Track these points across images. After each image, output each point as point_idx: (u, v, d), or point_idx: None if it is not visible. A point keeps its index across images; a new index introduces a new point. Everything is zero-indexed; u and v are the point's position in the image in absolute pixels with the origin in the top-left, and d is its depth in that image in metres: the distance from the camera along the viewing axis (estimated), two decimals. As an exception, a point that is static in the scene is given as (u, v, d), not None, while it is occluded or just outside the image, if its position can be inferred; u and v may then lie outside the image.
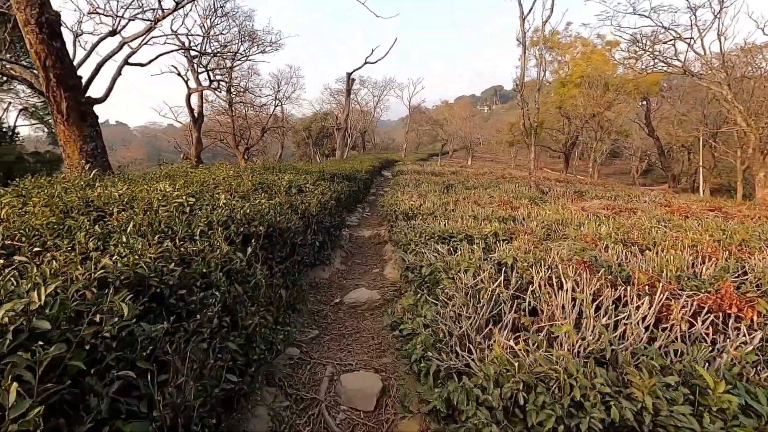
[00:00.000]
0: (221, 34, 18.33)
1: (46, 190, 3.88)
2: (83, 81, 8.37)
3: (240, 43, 21.86)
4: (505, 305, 2.85)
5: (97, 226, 2.57)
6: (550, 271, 3.44)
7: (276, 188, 5.73)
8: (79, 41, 11.19)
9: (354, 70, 28.21)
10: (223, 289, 2.35)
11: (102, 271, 2.02)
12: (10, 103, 29.98)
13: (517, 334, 2.64)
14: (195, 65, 21.21)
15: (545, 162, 52.50)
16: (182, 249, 2.51)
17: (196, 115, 21.69)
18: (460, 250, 4.42)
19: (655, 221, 7.39)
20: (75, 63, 9.44)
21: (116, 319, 1.52)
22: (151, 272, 2.12)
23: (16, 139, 30.04)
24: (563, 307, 2.73)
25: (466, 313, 2.68)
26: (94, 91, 9.12)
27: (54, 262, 1.98)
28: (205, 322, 2.04)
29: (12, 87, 26.50)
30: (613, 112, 33.32)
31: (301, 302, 4.32)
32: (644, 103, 37.77)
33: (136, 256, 2.17)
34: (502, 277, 3.14)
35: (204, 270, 2.34)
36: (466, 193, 11.90)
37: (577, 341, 2.16)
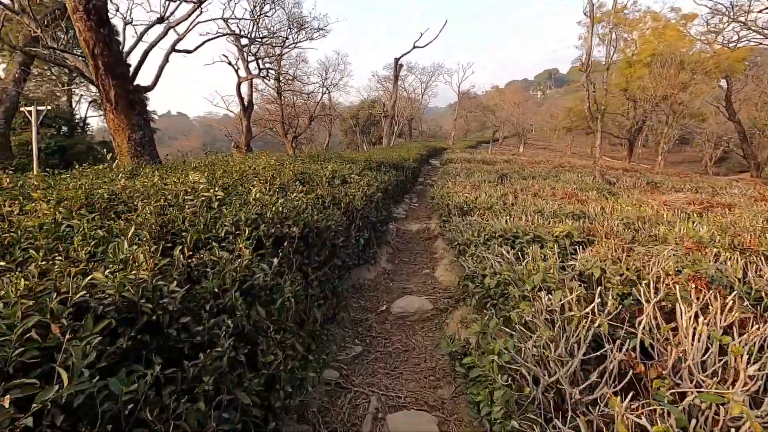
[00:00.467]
0: (266, 15, 18.07)
1: (75, 182, 3.60)
2: (131, 69, 8.32)
3: (289, 30, 21.70)
4: (608, 343, 2.13)
5: (100, 230, 2.14)
6: (657, 292, 2.65)
7: (318, 179, 5.23)
8: (134, 28, 11.29)
9: (402, 56, 27.29)
10: (239, 314, 1.83)
11: (84, 292, 1.57)
12: (81, 95, 32.10)
13: (627, 386, 1.93)
14: (245, 54, 21.33)
15: (605, 149, 48.72)
16: (195, 259, 2.03)
17: (246, 103, 21.93)
18: (531, 255, 3.68)
19: (762, 220, 6.14)
20: (124, 51, 9.47)
21: (54, 391, 1.02)
22: (145, 293, 1.64)
23: (87, 129, 32.23)
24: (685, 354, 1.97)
25: (555, 353, 2.00)
26: (144, 79, 9.11)
27: (22, 279, 1.53)
28: (211, 363, 1.53)
29: (83, 81, 28.23)
30: (689, 94, 29.96)
31: (343, 310, 3.80)
32: (725, 83, 33.64)
33: (130, 272, 1.69)
34: (597, 300, 2.41)
35: (216, 289, 1.83)
36: (524, 184, 10.90)
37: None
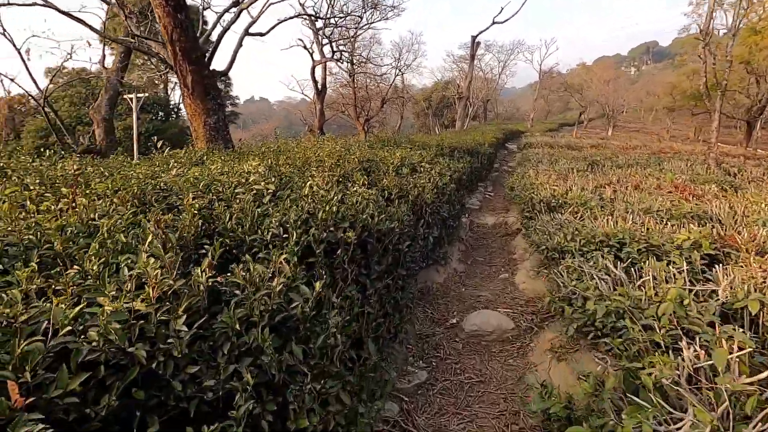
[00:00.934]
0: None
1: (124, 171, 3.46)
2: (207, 54, 8.42)
3: (363, 10, 21.30)
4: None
5: (121, 235, 1.82)
6: None
7: (385, 167, 4.73)
8: (212, 12, 11.54)
9: (479, 33, 25.72)
10: (267, 360, 1.39)
11: (67, 330, 1.22)
12: (176, 83, 34.91)
13: None
14: (320, 37, 21.37)
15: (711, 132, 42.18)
16: (221, 278, 1.63)
17: (319, 87, 22.11)
18: (649, 273, 2.84)
19: None
20: (200, 36, 9.65)
21: None
22: (147, 328, 1.25)
23: (180, 114, 35.11)
24: None
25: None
26: (219, 64, 9.24)
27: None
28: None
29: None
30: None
31: (407, 323, 3.29)
32: None
33: (123, 302, 1.31)
34: (777, 363, 1.62)
35: (237, 325, 1.40)
36: (619, 174, 9.47)
37: None
